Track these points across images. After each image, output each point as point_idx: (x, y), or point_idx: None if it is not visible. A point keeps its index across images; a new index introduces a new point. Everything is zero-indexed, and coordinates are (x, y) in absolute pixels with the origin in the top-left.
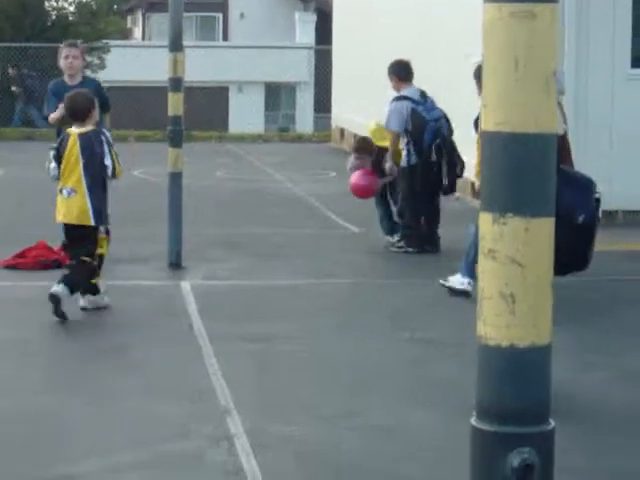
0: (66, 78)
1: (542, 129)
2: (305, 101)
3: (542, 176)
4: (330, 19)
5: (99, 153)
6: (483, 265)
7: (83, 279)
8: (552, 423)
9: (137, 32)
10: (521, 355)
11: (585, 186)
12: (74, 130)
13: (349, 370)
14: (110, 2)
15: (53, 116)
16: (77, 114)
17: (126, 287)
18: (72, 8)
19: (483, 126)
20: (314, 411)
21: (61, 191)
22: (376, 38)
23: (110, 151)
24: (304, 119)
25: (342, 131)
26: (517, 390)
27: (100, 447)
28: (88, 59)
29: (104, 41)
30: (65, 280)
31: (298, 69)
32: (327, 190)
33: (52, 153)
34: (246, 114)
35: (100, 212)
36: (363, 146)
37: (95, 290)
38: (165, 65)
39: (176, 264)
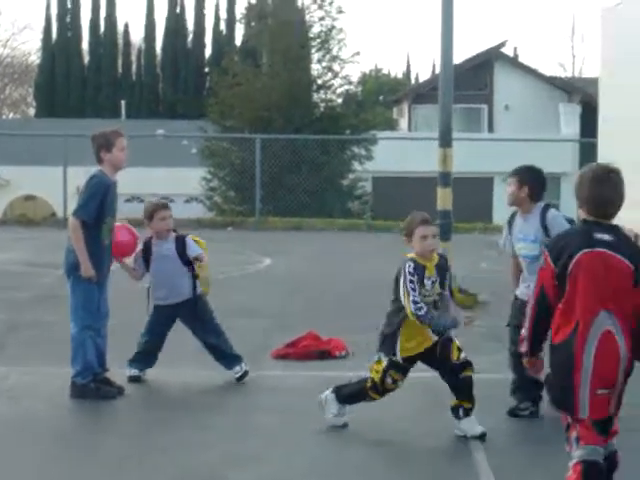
0: None
1: None
2: (569, 192)
3: None
4: (595, 111)
5: None
6: None
7: None
8: None
9: (403, 123)
10: None
11: None
12: None
13: None
14: (376, 94)
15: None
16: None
17: None
18: (339, 100)
19: None
20: None
21: None
22: None
23: None
24: (569, 209)
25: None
26: None
27: None
28: (355, 150)
29: (372, 132)
30: None
31: (563, 160)
32: None
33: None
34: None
35: None
36: None
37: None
38: (432, 157)
39: None
